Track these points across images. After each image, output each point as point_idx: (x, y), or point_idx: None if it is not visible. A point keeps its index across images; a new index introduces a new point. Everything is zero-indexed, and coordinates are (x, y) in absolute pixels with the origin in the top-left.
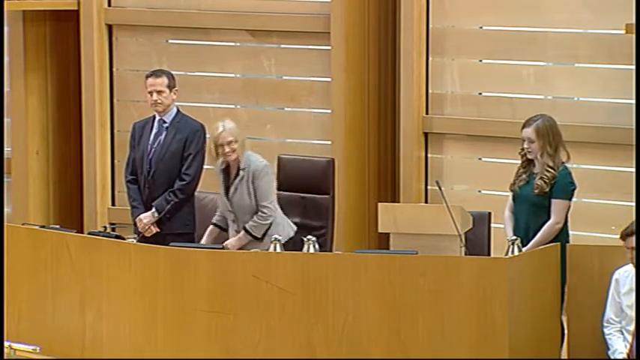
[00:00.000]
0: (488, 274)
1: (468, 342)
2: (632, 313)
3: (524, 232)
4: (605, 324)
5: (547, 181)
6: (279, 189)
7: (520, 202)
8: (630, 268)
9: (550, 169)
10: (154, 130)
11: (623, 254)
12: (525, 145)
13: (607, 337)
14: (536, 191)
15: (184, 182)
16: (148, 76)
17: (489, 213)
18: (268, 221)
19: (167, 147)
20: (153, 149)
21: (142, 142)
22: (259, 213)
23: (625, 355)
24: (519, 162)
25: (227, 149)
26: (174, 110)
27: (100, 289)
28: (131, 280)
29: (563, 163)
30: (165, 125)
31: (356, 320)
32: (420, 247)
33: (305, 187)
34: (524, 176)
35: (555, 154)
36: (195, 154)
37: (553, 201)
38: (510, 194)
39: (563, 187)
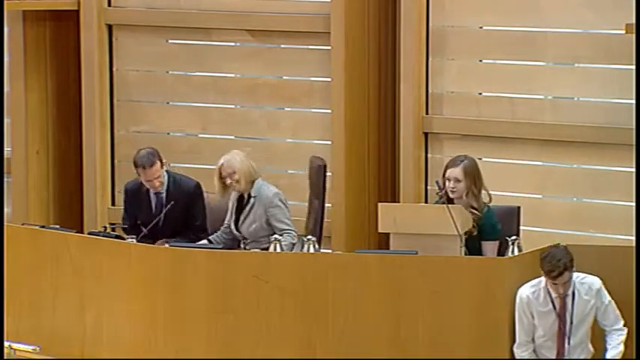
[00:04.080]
0: (488, 274)
1: (468, 342)
2: (548, 331)
3: None
4: (516, 349)
5: (474, 224)
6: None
7: None
8: (538, 283)
9: (475, 211)
10: (154, 203)
11: (623, 254)
12: (451, 185)
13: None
14: (465, 236)
15: (203, 234)
16: (139, 166)
17: None
18: (294, 242)
19: (172, 215)
20: (160, 221)
21: (133, 209)
22: (286, 236)
23: None
24: (439, 200)
25: (229, 181)
26: (166, 177)
27: (100, 289)
28: (131, 280)
29: (485, 204)
30: (163, 196)
31: (356, 320)
32: (420, 247)
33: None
34: None
35: (479, 195)
36: (202, 210)
37: (485, 243)
38: None
39: (491, 228)
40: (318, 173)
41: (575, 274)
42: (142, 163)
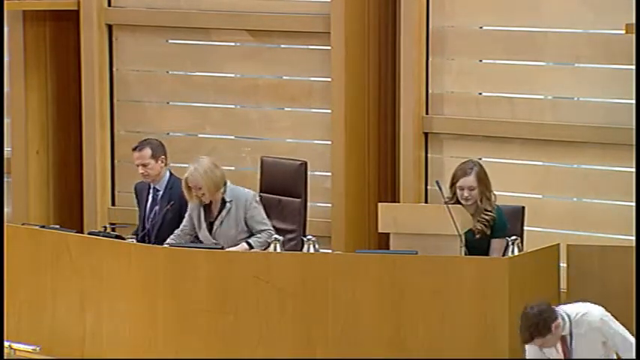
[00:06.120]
0: (488, 274)
1: (468, 342)
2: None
3: None
4: None
5: (487, 223)
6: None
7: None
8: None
9: (489, 212)
10: (150, 200)
11: (623, 254)
12: (465, 194)
13: None
14: (477, 236)
15: None
16: (133, 149)
17: None
18: (271, 240)
19: (162, 216)
20: (149, 219)
21: (141, 208)
22: (263, 234)
23: None
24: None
25: (196, 193)
26: (167, 176)
27: (100, 289)
28: (131, 280)
29: (494, 203)
30: (159, 193)
31: (356, 320)
32: (420, 247)
33: (279, 190)
34: None
35: (491, 197)
36: None
37: (494, 240)
38: None
39: (502, 226)
40: (298, 172)
41: (574, 311)
42: (136, 145)
